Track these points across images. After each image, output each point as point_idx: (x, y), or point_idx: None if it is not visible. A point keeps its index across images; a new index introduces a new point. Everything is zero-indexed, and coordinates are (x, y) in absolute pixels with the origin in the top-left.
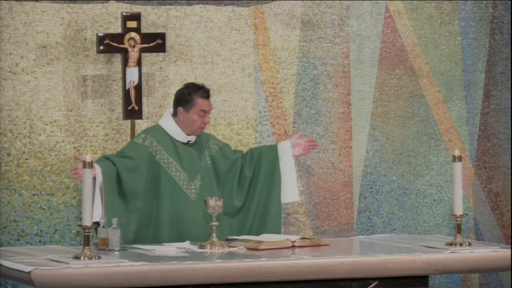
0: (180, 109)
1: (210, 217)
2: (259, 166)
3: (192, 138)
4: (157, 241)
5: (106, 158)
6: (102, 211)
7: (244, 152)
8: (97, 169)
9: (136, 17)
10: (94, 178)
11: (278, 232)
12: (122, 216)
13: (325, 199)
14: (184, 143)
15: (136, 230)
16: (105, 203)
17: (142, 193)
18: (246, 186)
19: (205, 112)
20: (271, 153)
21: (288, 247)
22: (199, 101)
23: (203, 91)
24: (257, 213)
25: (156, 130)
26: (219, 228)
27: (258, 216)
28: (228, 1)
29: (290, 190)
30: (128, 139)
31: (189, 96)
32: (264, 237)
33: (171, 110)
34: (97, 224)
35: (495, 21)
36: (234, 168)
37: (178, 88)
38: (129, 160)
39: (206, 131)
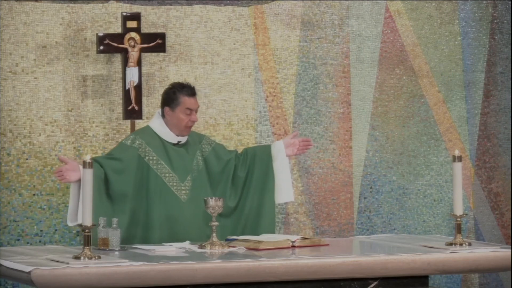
0: (166, 109)
1: (202, 218)
2: (253, 166)
3: (182, 139)
4: (147, 241)
5: (94, 160)
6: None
7: (238, 152)
8: (82, 172)
9: (136, 17)
10: (79, 181)
11: (271, 232)
12: (108, 218)
13: (325, 199)
14: (174, 144)
15: (124, 231)
16: None
17: (131, 195)
18: (240, 186)
19: (191, 110)
20: (265, 153)
21: (288, 247)
22: (184, 99)
23: (188, 89)
24: (250, 213)
25: (146, 132)
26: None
27: (251, 217)
28: (228, 1)
29: (285, 190)
30: None
31: (174, 95)
32: (264, 237)
33: (161, 111)
34: (80, 226)
35: (495, 21)
36: (227, 169)
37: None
38: (117, 162)
39: (206, 131)
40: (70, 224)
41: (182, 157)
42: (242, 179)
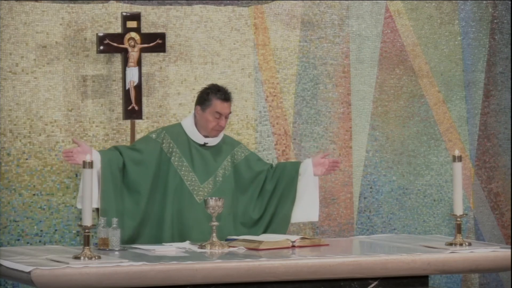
0: (197, 108)
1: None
2: (280, 181)
3: (211, 141)
4: (157, 240)
5: (115, 148)
6: (98, 197)
7: (272, 165)
8: (95, 155)
9: (136, 17)
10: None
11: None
12: (119, 206)
13: (325, 199)
14: (200, 145)
15: (136, 225)
16: (101, 190)
17: (147, 188)
18: (266, 199)
19: (221, 115)
20: (293, 169)
21: (288, 247)
22: (216, 103)
23: (222, 93)
24: (268, 226)
25: (174, 128)
26: (232, 235)
27: (267, 229)
28: (228, 1)
29: (309, 209)
30: (128, 139)
31: (207, 96)
32: (264, 237)
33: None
34: (96, 210)
35: (495, 21)
36: (257, 180)
37: (178, 88)
38: (137, 153)
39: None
40: (79, 206)
41: (206, 159)
42: (269, 193)
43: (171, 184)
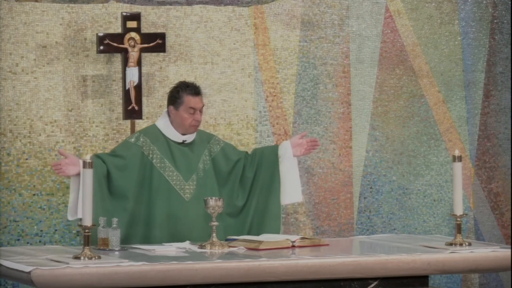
0: (170, 108)
1: (205, 217)
2: (260, 167)
3: (188, 138)
4: (148, 240)
5: (97, 156)
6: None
7: (248, 153)
8: (82, 167)
9: (136, 17)
10: (78, 175)
11: (276, 233)
12: (109, 214)
13: (325, 199)
14: (179, 143)
15: (125, 228)
16: None
17: (133, 192)
18: (248, 187)
19: (195, 110)
20: (272, 153)
21: (288, 247)
22: (188, 99)
23: (191, 88)
24: (256, 214)
25: (151, 130)
26: (220, 227)
27: (256, 218)
28: (228, 1)
29: (293, 191)
30: None
31: (178, 94)
32: (264, 237)
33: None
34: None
35: (495, 21)
36: (236, 169)
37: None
38: (119, 159)
39: (207, 131)
40: (70, 218)
41: (187, 157)
42: (250, 180)
43: (157, 186)
